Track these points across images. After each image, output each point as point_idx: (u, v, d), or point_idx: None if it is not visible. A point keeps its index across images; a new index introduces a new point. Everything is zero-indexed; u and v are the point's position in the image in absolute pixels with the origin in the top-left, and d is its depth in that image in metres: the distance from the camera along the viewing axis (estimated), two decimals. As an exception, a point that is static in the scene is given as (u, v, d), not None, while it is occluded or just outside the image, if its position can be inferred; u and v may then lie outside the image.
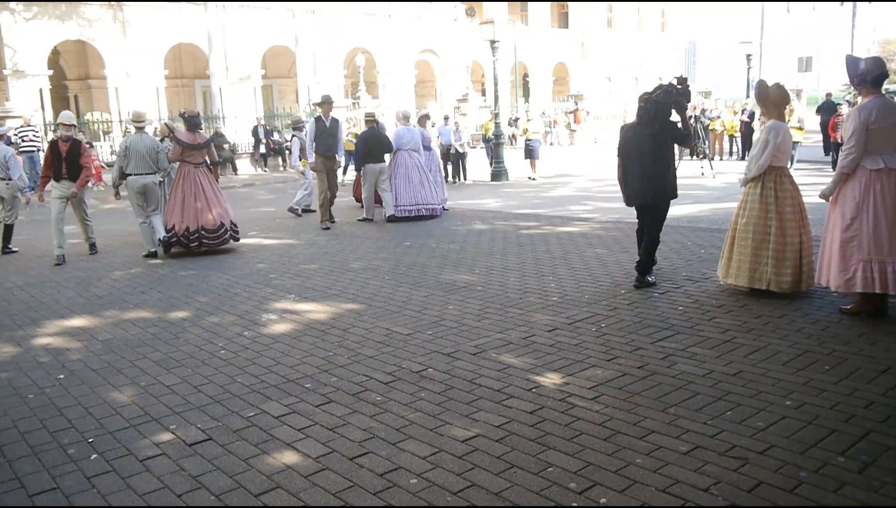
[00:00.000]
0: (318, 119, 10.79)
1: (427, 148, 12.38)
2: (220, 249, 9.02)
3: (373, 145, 11.11)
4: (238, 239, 9.35)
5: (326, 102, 10.88)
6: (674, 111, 6.20)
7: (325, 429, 3.61)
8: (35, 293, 7.13)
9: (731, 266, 5.78)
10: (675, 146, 6.39)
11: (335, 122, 10.92)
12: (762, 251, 5.58)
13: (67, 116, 9.12)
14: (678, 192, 6.38)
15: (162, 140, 10.14)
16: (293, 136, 13.04)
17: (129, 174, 8.80)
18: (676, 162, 7.70)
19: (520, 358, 4.51)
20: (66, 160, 8.82)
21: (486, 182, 17.40)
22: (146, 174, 8.84)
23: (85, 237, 9.42)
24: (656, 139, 6.10)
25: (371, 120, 11.90)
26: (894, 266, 4.81)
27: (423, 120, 13.15)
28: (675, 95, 6.05)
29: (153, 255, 8.84)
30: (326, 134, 10.64)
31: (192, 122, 9.17)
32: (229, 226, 9.09)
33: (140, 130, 9.05)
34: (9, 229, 9.75)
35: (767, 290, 5.59)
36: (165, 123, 11.83)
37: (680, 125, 6.34)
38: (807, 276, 5.59)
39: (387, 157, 11.50)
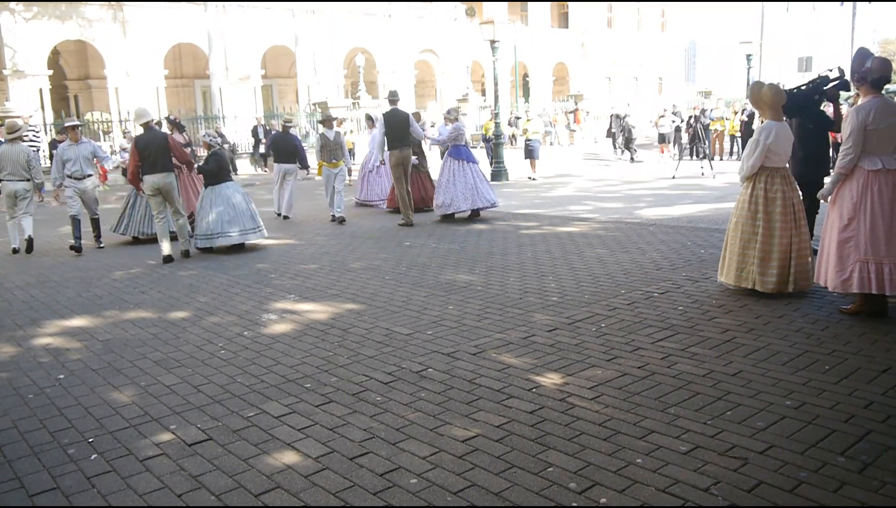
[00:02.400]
0: (389, 113, 10.72)
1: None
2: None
3: (280, 147, 12.22)
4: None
5: (397, 99, 10.94)
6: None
7: (325, 429, 3.61)
8: (35, 293, 7.13)
9: (724, 265, 5.81)
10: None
11: (406, 115, 10.81)
12: (749, 251, 5.60)
13: (146, 111, 9.01)
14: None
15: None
16: (321, 133, 11.90)
17: (2, 180, 9.69)
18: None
19: (520, 358, 4.51)
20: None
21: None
22: (18, 181, 9.63)
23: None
24: (799, 126, 6.68)
25: (288, 124, 12.78)
26: (891, 267, 4.81)
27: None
28: (825, 86, 6.69)
29: (16, 251, 9.66)
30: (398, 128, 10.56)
31: (181, 126, 11.27)
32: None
33: (12, 140, 9.69)
34: (96, 223, 9.96)
35: (753, 289, 5.60)
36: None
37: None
38: (797, 277, 5.56)
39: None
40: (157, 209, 8.74)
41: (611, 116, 25.26)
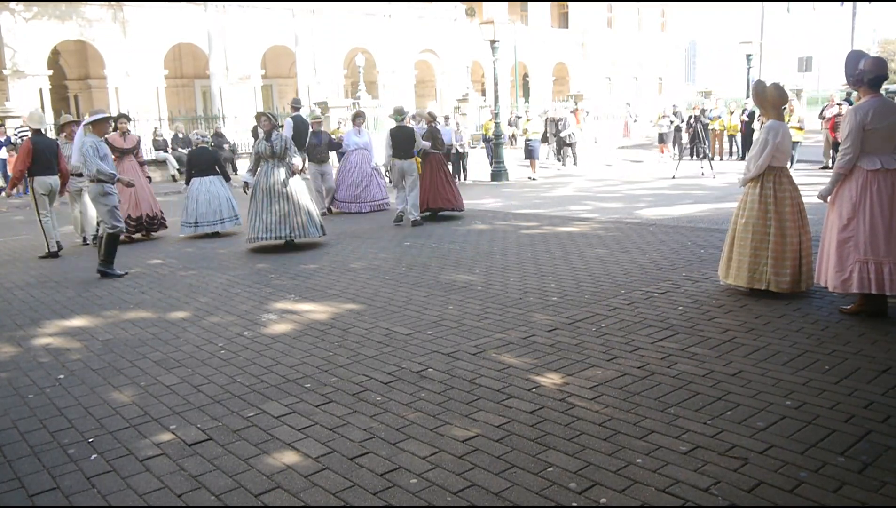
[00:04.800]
0: (298, 119, 12.66)
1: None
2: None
3: (314, 147, 12.82)
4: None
5: (300, 106, 13.28)
6: None
7: (325, 429, 3.61)
8: (35, 293, 7.13)
9: (730, 266, 5.78)
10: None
11: (308, 123, 12.84)
12: (761, 252, 5.58)
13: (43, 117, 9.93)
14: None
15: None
16: (391, 130, 10.73)
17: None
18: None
19: (520, 358, 4.51)
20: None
21: (486, 182, 17.40)
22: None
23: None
24: None
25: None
26: (891, 267, 4.81)
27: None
28: None
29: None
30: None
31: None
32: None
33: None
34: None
35: (767, 290, 5.59)
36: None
37: None
38: (806, 276, 5.59)
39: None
40: (44, 208, 9.32)
41: (546, 120, 21.68)
